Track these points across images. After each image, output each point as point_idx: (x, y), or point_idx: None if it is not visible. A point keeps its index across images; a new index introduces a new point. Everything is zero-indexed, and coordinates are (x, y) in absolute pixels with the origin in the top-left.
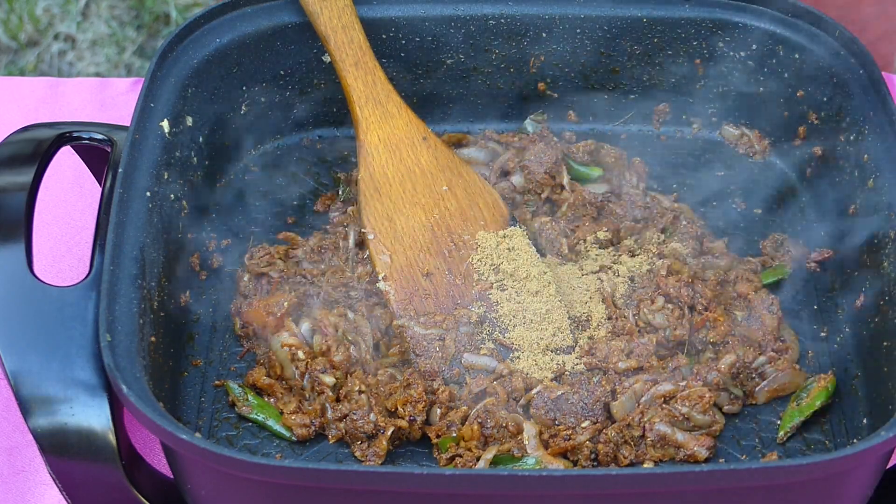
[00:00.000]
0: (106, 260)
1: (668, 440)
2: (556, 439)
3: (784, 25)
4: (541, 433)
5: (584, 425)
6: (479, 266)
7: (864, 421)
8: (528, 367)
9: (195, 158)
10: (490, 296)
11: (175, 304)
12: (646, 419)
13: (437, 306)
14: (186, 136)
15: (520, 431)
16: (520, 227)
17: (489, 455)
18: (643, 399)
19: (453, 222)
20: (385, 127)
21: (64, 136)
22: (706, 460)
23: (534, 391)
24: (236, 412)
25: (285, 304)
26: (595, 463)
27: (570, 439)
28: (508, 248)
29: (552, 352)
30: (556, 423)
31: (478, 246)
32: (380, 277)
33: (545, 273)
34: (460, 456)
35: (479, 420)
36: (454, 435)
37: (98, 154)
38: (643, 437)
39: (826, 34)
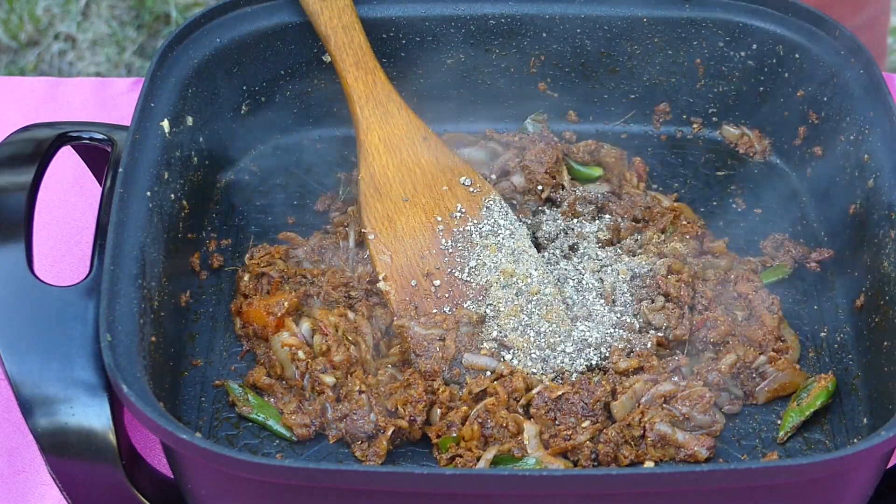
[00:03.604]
0: (106, 260)
1: (668, 440)
2: (556, 439)
3: (784, 25)
4: (541, 433)
5: (584, 425)
6: (479, 266)
7: (864, 421)
8: (528, 367)
9: (195, 158)
10: (490, 296)
11: (175, 304)
12: (646, 419)
13: (437, 306)
14: (186, 136)
15: (520, 431)
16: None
17: (489, 455)
18: (643, 399)
19: (453, 222)
20: (385, 127)
21: (64, 136)
22: (706, 460)
23: (534, 391)
24: (236, 412)
25: (285, 304)
26: (595, 463)
27: (570, 439)
28: (509, 249)
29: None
30: (557, 423)
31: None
32: (380, 277)
33: (545, 273)
34: (460, 456)
35: (480, 420)
36: (454, 435)
37: (98, 154)
38: (643, 437)
39: (826, 34)
